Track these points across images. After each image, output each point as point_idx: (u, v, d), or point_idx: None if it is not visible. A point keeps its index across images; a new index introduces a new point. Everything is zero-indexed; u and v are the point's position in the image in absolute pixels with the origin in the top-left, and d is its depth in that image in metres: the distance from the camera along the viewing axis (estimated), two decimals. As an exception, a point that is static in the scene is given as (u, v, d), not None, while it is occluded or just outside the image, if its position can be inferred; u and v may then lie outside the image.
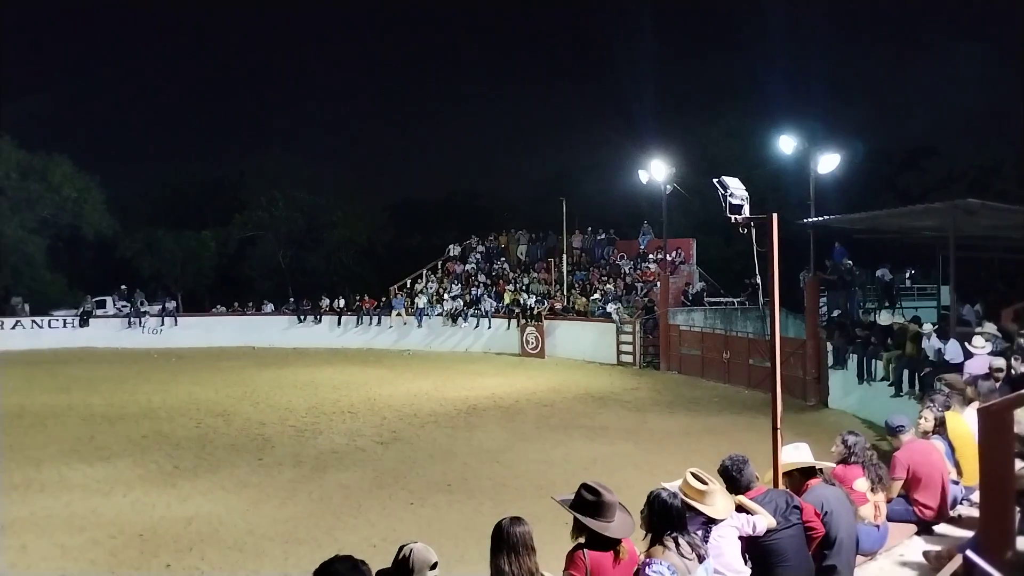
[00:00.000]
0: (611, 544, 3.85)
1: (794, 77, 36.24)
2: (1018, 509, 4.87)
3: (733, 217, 6.09)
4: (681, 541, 3.99)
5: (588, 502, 3.91)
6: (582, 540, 3.88)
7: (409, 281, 33.21)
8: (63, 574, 8.05)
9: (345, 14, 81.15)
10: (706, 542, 4.33)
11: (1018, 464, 5.12)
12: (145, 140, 62.09)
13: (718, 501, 4.54)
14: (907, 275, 22.40)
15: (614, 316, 25.56)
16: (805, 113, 28.67)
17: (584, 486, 3.99)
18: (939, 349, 12.87)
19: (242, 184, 43.85)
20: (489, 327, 29.03)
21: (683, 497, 4.40)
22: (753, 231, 6.21)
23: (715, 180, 6.20)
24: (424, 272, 33.64)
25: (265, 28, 78.43)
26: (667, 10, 55.21)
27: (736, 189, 6.08)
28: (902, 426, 6.44)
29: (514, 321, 28.34)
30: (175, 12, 76.03)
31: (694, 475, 4.57)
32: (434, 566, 3.45)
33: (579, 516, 3.88)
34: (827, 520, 4.95)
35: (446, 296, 30.79)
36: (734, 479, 4.84)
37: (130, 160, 54.57)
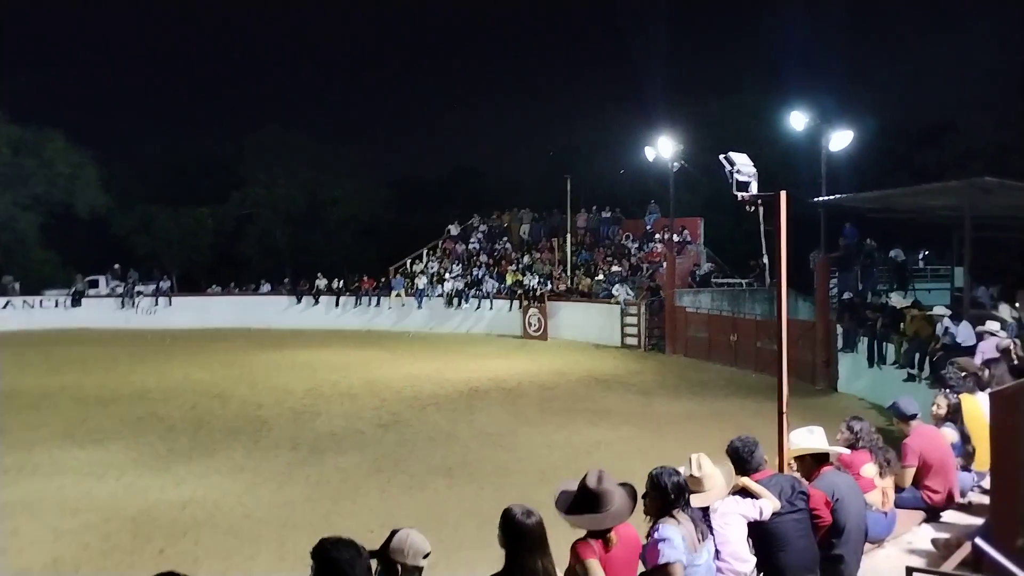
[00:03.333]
0: (604, 532, 3.81)
1: (806, 52, 35.49)
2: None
3: (740, 195, 5.90)
4: (687, 517, 3.97)
5: (582, 496, 3.88)
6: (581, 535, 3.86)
7: (409, 261, 32.96)
8: (56, 558, 7.92)
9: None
10: (708, 528, 4.25)
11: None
12: (141, 115, 61.19)
13: (714, 485, 4.43)
14: (920, 256, 22.06)
15: (618, 297, 25.34)
16: (818, 89, 28.04)
17: (583, 480, 3.92)
18: (950, 331, 12.66)
19: (240, 160, 43.11)
20: (491, 308, 28.77)
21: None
22: (761, 209, 6.04)
23: (721, 156, 6.00)
24: (424, 252, 33.39)
25: (265, 3, 77.44)
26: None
27: (744, 166, 5.88)
28: (915, 413, 6.27)
29: (516, 302, 28.06)
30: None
31: (690, 461, 4.48)
32: (427, 555, 3.40)
33: (568, 517, 3.86)
34: (837, 508, 4.81)
35: (447, 276, 30.54)
36: (744, 460, 4.68)
37: (125, 135, 53.86)
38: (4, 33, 47.52)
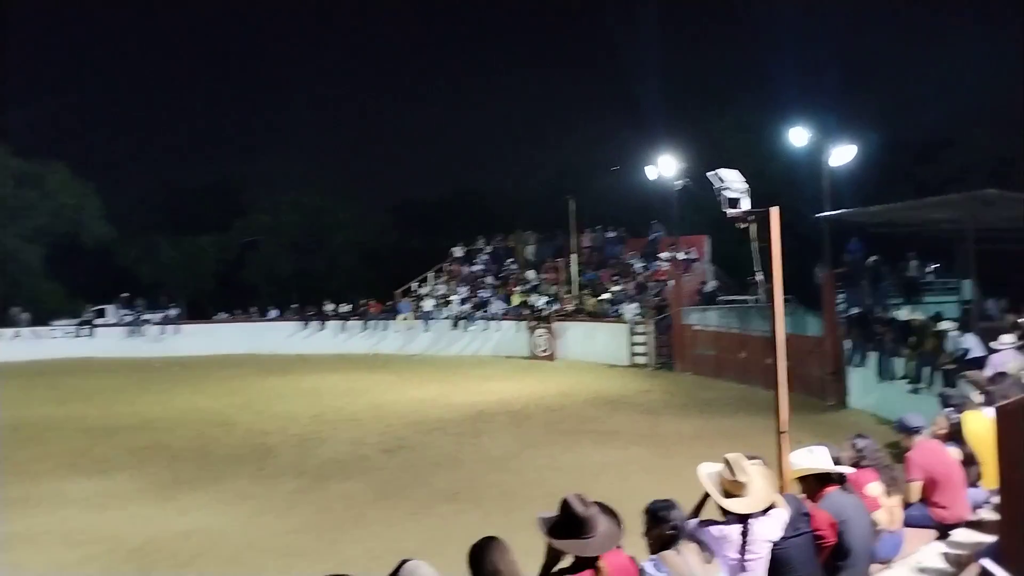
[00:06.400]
0: (592, 562, 3.66)
1: (806, 67, 35.45)
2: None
3: (730, 211, 5.87)
4: (691, 546, 3.83)
5: (566, 521, 3.73)
6: (565, 566, 3.70)
7: (415, 285, 32.94)
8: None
9: (345, 13, 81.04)
10: (745, 548, 4.15)
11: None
12: (144, 146, 61.83)
13: (755, 489, 4.28)
14: (929, 269, 21.87)
15: (627, 316, 25.24)
16: (818, 104, 27.93)
17: (563, 503, 3.78)
18: (959, 344, 12.56)
19: (243, 188, 43.64)
20: (498, 330, 28.72)
21: (717, 493, 4.29)
22: (753, 225, 5.99)
23: (710, 173, 5.99)
24: (430, 275, 33.35)
25: (263, 30, 78.34)
26: (675, 1, 54.52)
27: (733, 182, 5.85)
28: (920, 427, 6.18)
29: (523, 323, 27.98)
30: (172, 15, 75.90)
31: (728, 464, 4.33)
32: None
33: (553, 541, 3.70)
34: (843, 529, 4.71)
35: (453, 299, 30.49)
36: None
37: (128, 166, 54.33)
38: (9, 68, 48.14)
